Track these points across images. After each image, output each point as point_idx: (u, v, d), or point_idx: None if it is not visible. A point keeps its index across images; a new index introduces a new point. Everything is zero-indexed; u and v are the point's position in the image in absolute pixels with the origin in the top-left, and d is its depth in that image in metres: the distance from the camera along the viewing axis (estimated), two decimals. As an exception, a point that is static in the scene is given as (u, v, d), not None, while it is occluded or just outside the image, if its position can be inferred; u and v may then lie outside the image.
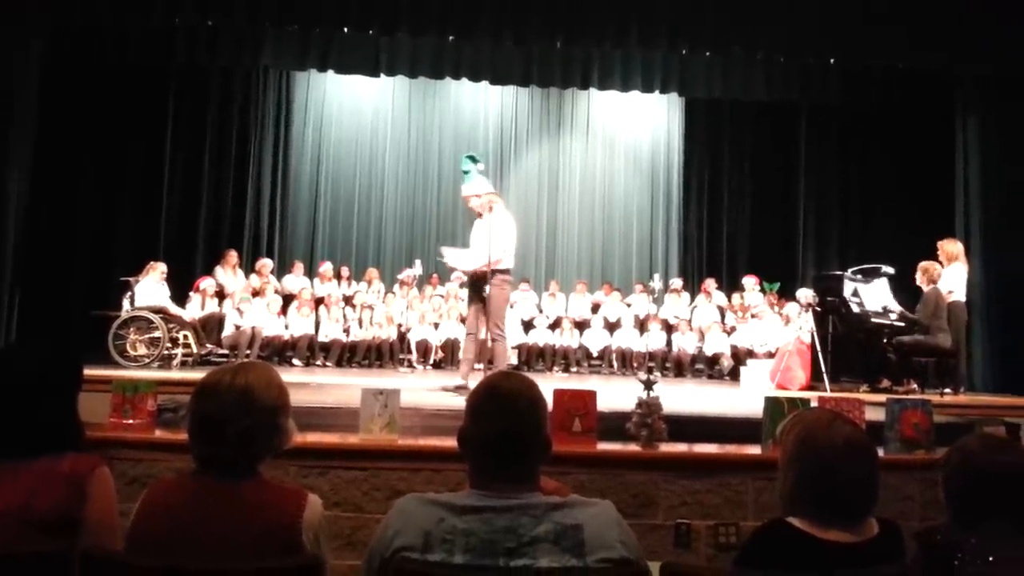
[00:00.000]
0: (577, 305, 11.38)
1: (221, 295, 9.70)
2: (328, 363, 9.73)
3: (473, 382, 5.74)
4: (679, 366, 10.38)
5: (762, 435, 3.99)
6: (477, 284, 6.40)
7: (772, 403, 4.01)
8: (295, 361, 9.58)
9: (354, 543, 3.49)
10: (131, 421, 3.87)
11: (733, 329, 10.56)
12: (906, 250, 8.86)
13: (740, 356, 9.92)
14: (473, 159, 6.66)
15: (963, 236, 8.89)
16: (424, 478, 3.63)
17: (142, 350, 8.01)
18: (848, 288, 8.09)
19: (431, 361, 10.12)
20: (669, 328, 10.78)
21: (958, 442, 2.17)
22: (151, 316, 8.12)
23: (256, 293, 9.94)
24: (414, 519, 1.72)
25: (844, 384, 7.87)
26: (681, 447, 4.05)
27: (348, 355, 9.94)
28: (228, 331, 9.24)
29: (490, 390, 1.87)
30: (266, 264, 10.62)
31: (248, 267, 10.70)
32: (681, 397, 6.62)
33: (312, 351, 9.85)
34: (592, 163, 12.85)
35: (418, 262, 10.48)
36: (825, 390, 7.33)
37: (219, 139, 11.31)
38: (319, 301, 10.31)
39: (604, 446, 3.89)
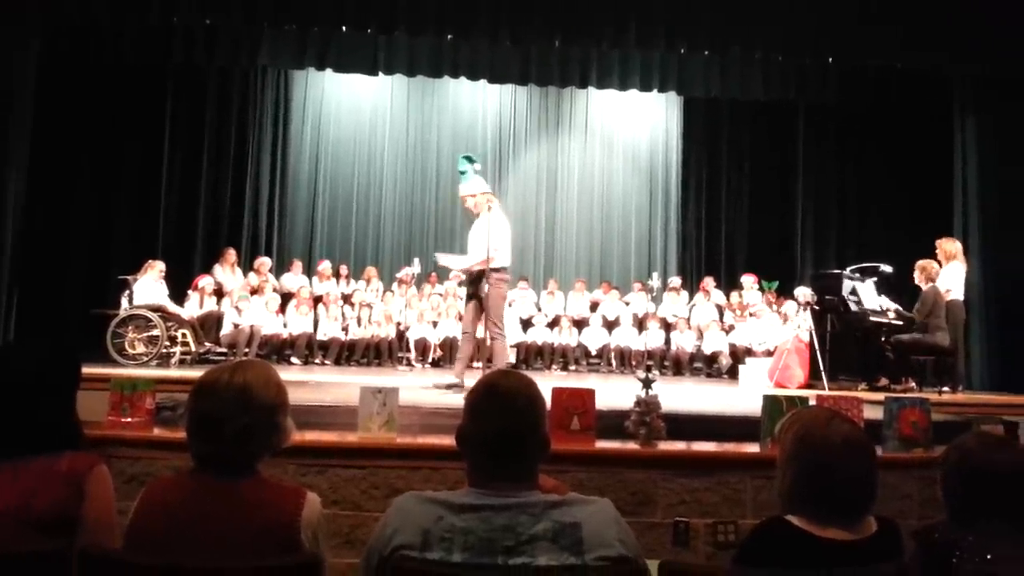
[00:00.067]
0: (576, 303, 11.38)
1: (219, 293, 9.70)
2: (327, 361, 9.73)
3: (469, 381, 5.79)
4: (678, 364, 10.38)
5: (760, 433, 3.99)
6: (473, 283, 6.44)
7: (770, 401, 4.02)
8: (294, 359, 9.57)
9: (353, 541, 3.49)
10: (129, 419, 3.88)
11: (732, 328, 10.56)
12: (904, 249, 8.88)
13: (738, 354, 9.92)
14: (470, 159, 6.69)
15: (961, 235, 8.90)
16: (422, 476, 3.63)
17: (140, 348, 8.01)
18: (846, 287, 8.10)
19: (430, 359, 10.12)
20: (668, 326, 10.79)
21: (956, 440, 2.17)
22: (149, 314, 8.11)
23: (255, 291, 9.93)
24: (413, 517, 1.72)
25: (842, 382, 7.88)
26: (680, 445, 4.05)
27: (347, 353, 9.93)
28: (227, 329, 9.23)
29: (488, 388, 1.87)
30: (264, 262, 10.61)
31: (247, 265, 10.70)
32: (680, 395, 6.62)
33: (311, 349, 9.84)
34: (590, 162, 12.85)
35: (417, 260, 10.48)
36: (823, 388, 7.33)
37: (217, 138, 11.31)
38: (318, 299, 10.31)
39: (603, 444, 3.90)
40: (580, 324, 10.92)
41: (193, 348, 8.39)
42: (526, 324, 10.83)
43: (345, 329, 10.08)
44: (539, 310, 11.16)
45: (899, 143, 10.74)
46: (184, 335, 8.35)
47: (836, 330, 8.07)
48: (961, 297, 7.91)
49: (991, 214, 9.01)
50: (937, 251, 7.98)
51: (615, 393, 5.55)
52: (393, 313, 10.23)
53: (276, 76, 11.89)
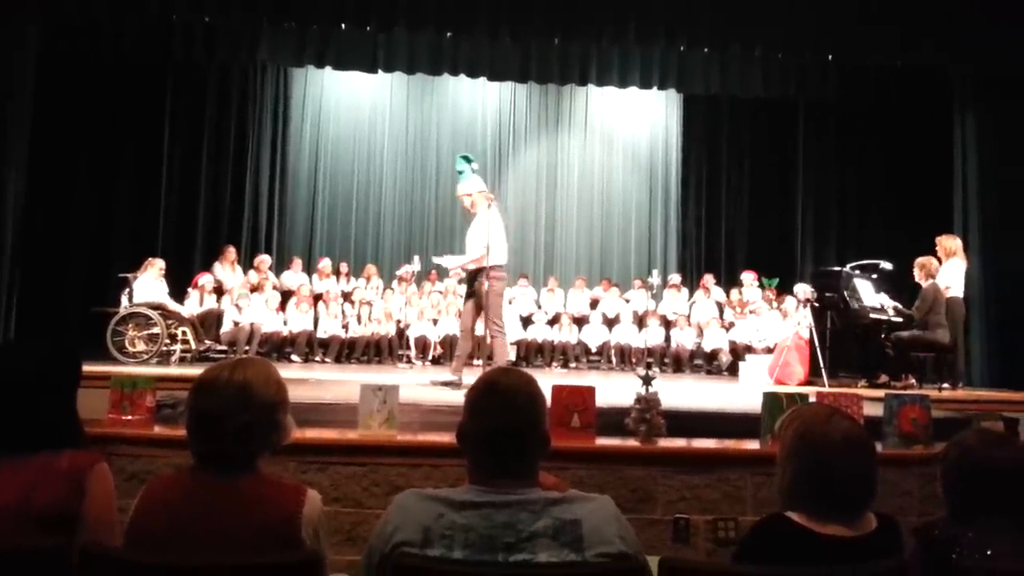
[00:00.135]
0: (576, 301, 11.38)
1: (220, 291, 9.70)
2: (327, 359, 9.73)
3: (468, 378, 5.80)
4: (678, 362, 10.37)
5: (760, 430, 4.00)
6: (470, 281, 6.47)
7: (770, 398, 4.03)
8: (294, 357, 9.57)
9: (354, 538, 3.50)
10: (130, 417, 3.89)
11: (732, 325, 10.56)
12: (904, 246, 8.87)
13: (739, 352, 9.92)
14: (467, 159, 6.74)
15: (961, 232, 8.89)
16: (423, 474, 3.64)
17: (141, 346, 8.01)
18: (846, 284, 8.09)
19: (430, 357, 10.12)
20: (668, 324, 10.78)
21: (956, 437, 2.17)
22: (150, 312, 8.11)
23: (255, 289, 9.93)
24: (413, 515, 1.72)
25: (842, 379, 7.88)
26: (680, 442, 4.06)
27: (347, 351, 9.93)
28: (227, 327, 9.24)
29: (489, 386, 1.87)
30: (264, 260, 10.61)
31: (247, 263, 10.70)
32: (680, 392, 6.62)
33: (311, 347, 9.84)
34: (590, 159, 12.84)
35: (416, 258, 10.47)
36: (823, 385, 7.34)
37: (217, 136, 11.30)
38: (318, 297, 10.32)
39: (603, 441, 3.91)
40: (580, 321, 10.92)
41: (193, 346, 8.39)
42: (526, 321, 10.83)
43: (345, 327, 10.09)
44: (539, 307, 11.16)
45: (899, 140, 10.74)
46: (184, 333, 8.35)
47: (836, 327, 8.08)
48: (961, 294, 7.90)
49: (991, 212, 9.00)
50: (937, 248, 7.97)
51: (615, 390, 5.55)
52: (393, 311, 10.23)
53: (275, 73, 11.88)
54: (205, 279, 9.58)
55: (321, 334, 9.92)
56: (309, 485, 1.98)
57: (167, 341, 8.09)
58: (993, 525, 1.93)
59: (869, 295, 8.18)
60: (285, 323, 9.82)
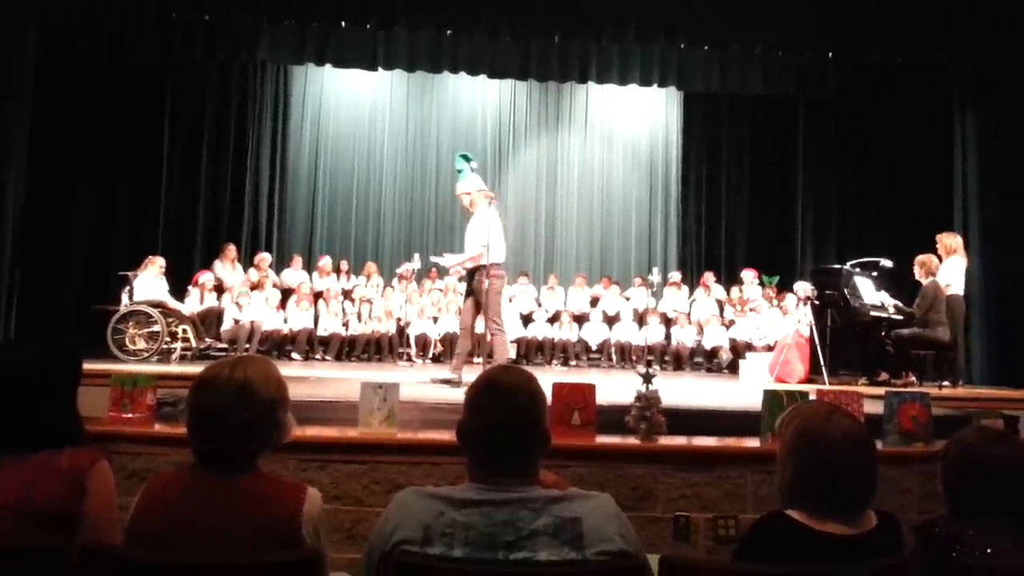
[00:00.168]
0: (576, 299, 11.38)
1: (220, 289, 9.70)
2: (327, 357, 9.73)
3: (468, 376, 5.80)
4: (678, 359, 10.37)
5: (761, 428, 4.00)
6: (469, 279, 6.50)
7: (771, 396, 4.03)
8: (294, 355, 9.58)
9: (354, 536, 3.50)
10: (130, 415, 3.89)
11: (732, 322, 10.56)
12: (904, 244, 8.87)
13: (739, 349, 9.92)
14: (466, 158, 6.78)
15: (961, 231, 8.88)
16: (423, 471, 3.64)
17: (141, 344, 8.01)
18: (846, 281, 8.09)
19: (430, 355, 10.13)
20: (668, 321, 10.78)
21: (956, 435, 2.17)
22: (150, 310, 8.11)
23: (255, 287, 9.93)
24: (414, 513, 1.72)
25: (843, 377, 7.88)
26: (680, 440, 4.06)
27: (347, 349, 9.93)
28: (227, 325, 9.24)
29: (489, 384, 1.87)
30: (265, 258, 10.61)
31: (247, 261, 10.71)
32: (680, 390, 6.61)
33: (311, 345, 9.84)
34: (590, 157, 12.84)
35: (417, 256, 10.47)
36: (824, 383, 7.34)
37: (217, 134, 11.30)
38: (318, 295, 10.32)
39: (603, 439, 3.90)
40: (580, 319, 10.92)
41: (194, 344, 8.39)
42: (526, 319, 10.84)
43: (345, 325, 10.09)
44: (539, 305, 11.16)
45: (899, 138, 10.73)
46: (185, 331, 8.35)
47: (836, 325, 8.08)
48: (961, 292, 7.89)
49: (991, 211, 8.99)
50: (937, 245, 7.97)
51: (615, 388, 5.55)
52: (393, 309, 10.23)
53: (275, 71, 11.87)
54: (205, 277, 9.58)
55: (321, 332, 9.92)
56: (309, 483, 1.98)
57: (167, 339, 8.09)
58: (993, 523, 1.94)
59: (869, 293, 8.18)
60: (285, 321, 9.82)
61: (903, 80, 9.95)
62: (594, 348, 10.71)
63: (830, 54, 9.39)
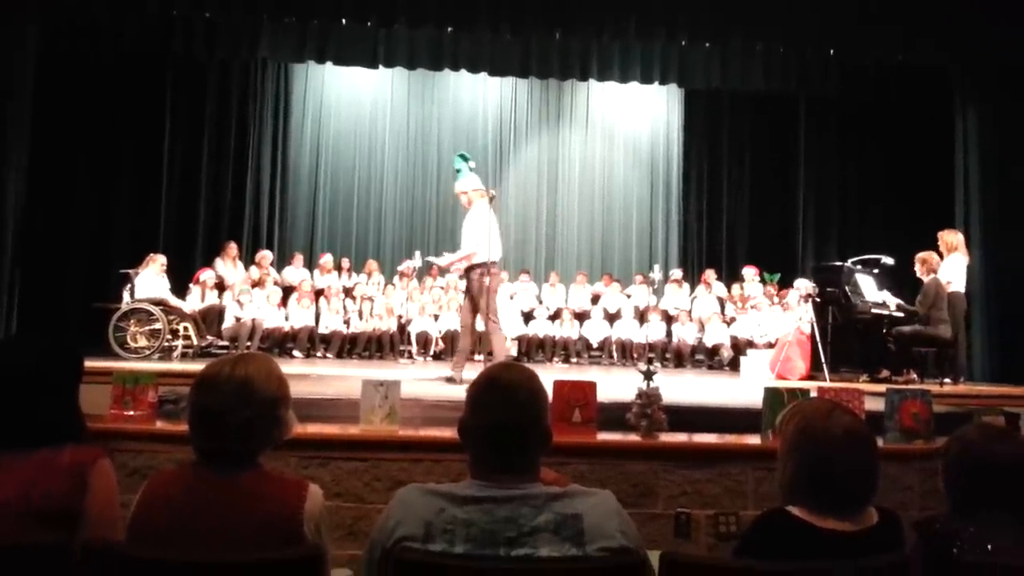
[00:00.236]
0: (577, 296, 11.39)
1: (221, 287, 9.71)
2: (328, 355, 9.74)
3: (467, 374, 5.81)
4: (679, 357, 10.38)
5: (762, 425, 4.01)
6: (467, 276, 6.53)
7: (772, 393, 4.03)
8: (295, 353, 9.58)
9: (356, 533, 3.51)
10: (132, 413, 3.89)
11: (733, 320, 10.56)
12: (905, 241, 8.87)
13: (740, 346, 9.92)
14: (464, 157, 6.81)
15: (962, 228, 8.87)
16: (424, 469, 3.64)
17: (142, 342, 8.02)
18: (847, 278, 8.09)
19: (431, 352, 10.13)
20: (669, 319, 10.78)
21: (957, 432, 2.17)
22: (151, 308, 8.12)
23: (256, 285, 9.94)
24: (415, 509, 1.73)
25: (844, 374, 7.89)
26: (681, 437, 4.06)
27: (348, 347, 9.94)
28: (228, 323, 9.25)
29: (490, 381, 1.87)
30: (266, 256, 10.62)
31: (248, 259, 10.71)
32: (681, 387, 6.62)
33: (312, 343, 9.85)
34: (591, 154, 12.84)
35: (418, 253, 10.47)
36: (825, 380, 7.34)
37: (218, 132, 11.29)
38: (319, 293, 10.32)
39: (604, 436, 3.90)
40: (581, 317, 10.93)
41: (195, 341, 8.41)
42: (527, 317, 10.84)
43: (347, 322, 10.10)
44: (540, 303, 11.17)
45: (900, 135, 10.72)
46: (186, 328, 8.36)
47: (837, 322, 8.08)
48: (962, 289, 7.89)
49: (992, 208, 8.97)
50: (939, 242, 7.96)
51: (617, 385, 5.56)
52: (394, 306, 10.24)
53: (276, 69, 11.87)
54: (206, 275, 9.59)
55: (322, 330, 9.93)
56: (311, 480, 1.98)
57: (169, 337, 8.11)
58: (994, 520, 1.94)
59: (870, 290, 8.17)
60: (286, 319, 9.83)
61: (904, 77, 9.94)
62: (595, 345, 10.71)
63: (831, 51, 9.38)
